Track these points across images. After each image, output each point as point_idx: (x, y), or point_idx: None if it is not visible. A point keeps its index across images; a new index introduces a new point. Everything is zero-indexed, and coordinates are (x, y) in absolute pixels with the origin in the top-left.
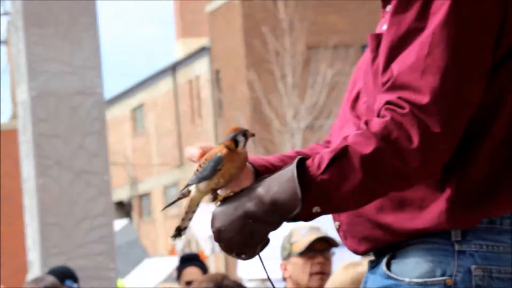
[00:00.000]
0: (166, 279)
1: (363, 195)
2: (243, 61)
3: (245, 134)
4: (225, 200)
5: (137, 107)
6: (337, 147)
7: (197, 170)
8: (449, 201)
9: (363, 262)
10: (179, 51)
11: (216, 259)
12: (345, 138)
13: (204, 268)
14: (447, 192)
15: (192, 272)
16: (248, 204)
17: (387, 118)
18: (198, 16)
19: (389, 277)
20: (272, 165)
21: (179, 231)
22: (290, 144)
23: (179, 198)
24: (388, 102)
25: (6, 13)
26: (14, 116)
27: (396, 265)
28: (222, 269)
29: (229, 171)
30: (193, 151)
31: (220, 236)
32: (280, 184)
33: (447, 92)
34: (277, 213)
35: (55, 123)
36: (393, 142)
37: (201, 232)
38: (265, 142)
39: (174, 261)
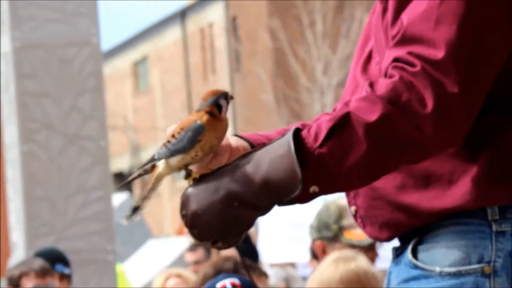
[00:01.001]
0: (174, 263)
1: (369, 170)
2: (264, 5)
3: (227, 97)
4: (201, 179)
5: (140, 61)
6: (336, 114)
7: (168, 141)
8: (482, 174)
9: (358, 257)
10: None
11: None
12: (347, 103)
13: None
14: (480, 164)
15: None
16: (232, 185)
17: (396, 78)
18: None
19: (416, 267)
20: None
21: (135, 211)
22: (320, 103)
23: (140, 175)
24: (396, 59)
25: None
26: None
27: (424, 253)
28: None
29: (211, 142)
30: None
31: (194, 221)
32: (273, 161)
33: (465, 44)
34: (269, 195)
35: (42, 79)
36: (403, 106)
37: None
38: (291, 102)
39: (183, 243)
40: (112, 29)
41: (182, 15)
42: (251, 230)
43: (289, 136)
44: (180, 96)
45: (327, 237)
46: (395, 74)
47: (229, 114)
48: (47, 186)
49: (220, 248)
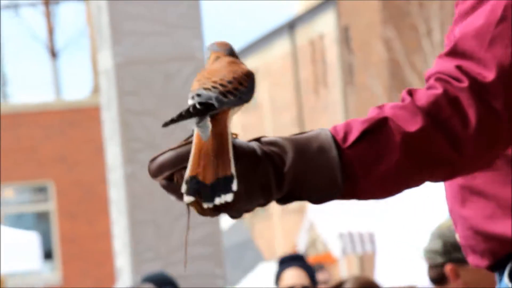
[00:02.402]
0: None
1: (395, 181)
2: (378, 14)
3: None
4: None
5: None
6: (372, 117)
7: (236, 88)
8: None
9: None
10: (298, 3)
11: (348, 262)
12: (381, 107)
13: (310, 270)
14: None
15: (293, 275)
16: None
17: (438, 91)
18: None
19: None
20: None
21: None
22: None
23: (196, 114)
24: (442, 71)
25: None
26: (96, 89)
27: None
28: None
29: None
30: None
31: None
32: (307, 156)
33: None
34: (288, 186)
35: (146, 96)
36: (444, 122)
37: (328, 230)
38: None
39: None
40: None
41: (290, 27)
42: (368, 251)
43: (327, 131)
44: (291, 112)
45: (459, 258)
46: (438, 87)
47: None
48: (152, 209)
49: (233, 216)
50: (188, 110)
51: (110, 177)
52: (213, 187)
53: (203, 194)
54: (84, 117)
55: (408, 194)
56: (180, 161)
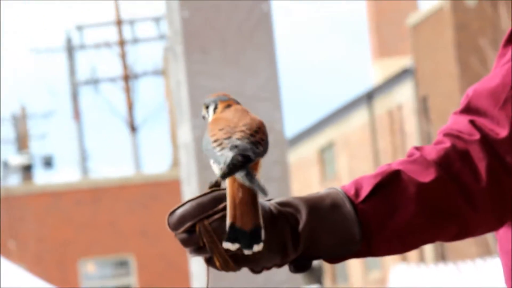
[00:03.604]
0: None
1: (409, 235)
2: (456, 83)
3: None
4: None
5: (326, 147)
6: (383, 171)
7: (262, 139)
8: None
9: None
10: (375, 74)
11: None
12: (389, 164)
13: None
14: None
15: None
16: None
17: (447, 145)
18: (399, 30)
19: None
20: None
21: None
22: None
23: (234, 167)
24: (454, 126)
25: (162, 37)
26: (175, 163)
27: None
28: None
29: None
30: None
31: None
32: (320, 213)
33: None
34: (304, 249)
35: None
36: (455, 176)
37: None
38: None
39: None
40: (295, 114)
41: (369, 97)
42: None
43: (339, 189)
44: None
45: None
46: (446, 141)
47: None
48: (233, 280)
49: (254, 271)
50: (233, 163)
51: None
52: (251, 234)
53: (242, 241)
54: (164, 191)
55: (486, 263)
56: (202, 211)
